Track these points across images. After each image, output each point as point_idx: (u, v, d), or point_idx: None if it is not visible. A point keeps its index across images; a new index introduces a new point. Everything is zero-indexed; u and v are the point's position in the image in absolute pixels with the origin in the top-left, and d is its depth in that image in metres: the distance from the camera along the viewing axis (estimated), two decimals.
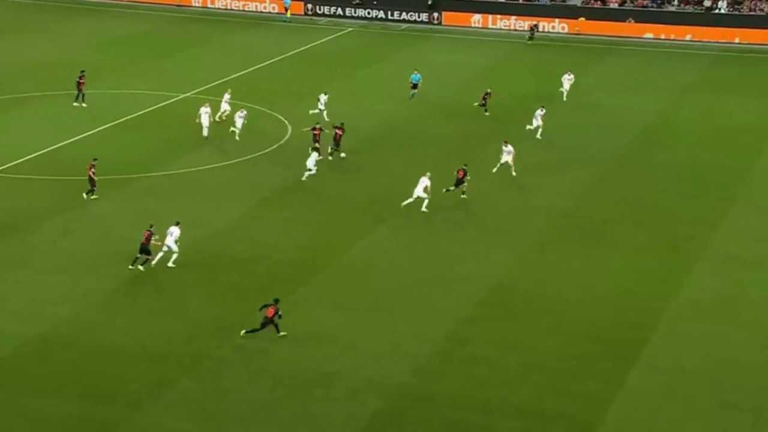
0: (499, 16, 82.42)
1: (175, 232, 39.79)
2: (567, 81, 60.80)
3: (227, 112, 57.19)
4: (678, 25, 78.50)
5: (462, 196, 46.23)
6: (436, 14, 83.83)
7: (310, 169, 48.75)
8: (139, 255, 39.55)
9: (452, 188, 46.20)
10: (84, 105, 59.87)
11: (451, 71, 69.76)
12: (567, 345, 34.68)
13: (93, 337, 35.00)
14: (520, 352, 34.18)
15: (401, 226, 44.41)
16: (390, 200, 47.11)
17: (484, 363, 33.54)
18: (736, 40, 77.42)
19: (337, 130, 51.83)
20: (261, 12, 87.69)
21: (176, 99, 62.68)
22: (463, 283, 38.89)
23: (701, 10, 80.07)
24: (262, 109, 60.49)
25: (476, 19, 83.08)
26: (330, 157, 51.39)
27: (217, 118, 56.75)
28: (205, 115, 54.41)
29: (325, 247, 42.04)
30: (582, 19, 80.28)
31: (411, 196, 45.16)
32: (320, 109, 56.99)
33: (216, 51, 75.18)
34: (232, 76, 67.68)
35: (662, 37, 78.70)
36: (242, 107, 55.59)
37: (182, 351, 34.06)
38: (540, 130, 53.85)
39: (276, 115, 59.32)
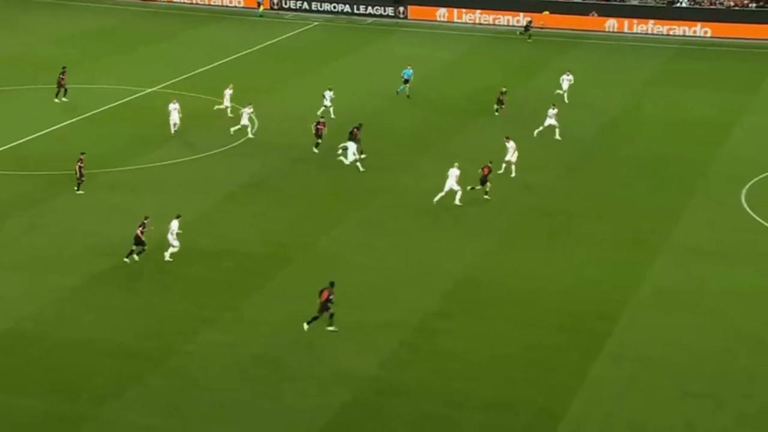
0: (464, 10, 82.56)
1: (174, 225, 39.63)
2: (566, 81, 59.78)
3: (229, 108, 56.87)
4: (641, 18, 78.94)
5: (485, 197, 45.81)
6: (401, 8, 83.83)
7: (356, 158, 49.12)
8: (134, 247, 39.35)
9: (478, 187, 45.78)
10: (65, 100, 59.26)
11: (417, 65, 69.75)
12: (533, 336, 34.89)
13: (58, 333, 34.78)
14: (487, 344, 34.34)
15: (369, 220, 44.45)
16: (358, 194, 47.13)
17: (451, 355, 33.68)
18: (698, 34, 77.95)
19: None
20: (227, 6, 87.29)
21: (142, 94, 62.30)
22: (430, 277, 39.00)
23: (663, 3, 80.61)
24: (229, 103, 60.17)
25: (441, 13, 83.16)
26: (315, 150, 51.17)
27: (229, 113, 56.35)
28: (174, 111, 53.98)
29: (294, 241, 42.00)
30: (546, 12, 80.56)
31: (442, 191, 45.01)
32: (326, 106, 56.67)
33: (181, 45, 74.79)
34: (198, 71, 67.37)
35: (625, 30, 79.12)
36: (250, 103, 54.68)
37: (150, 346, 33.93)
38: (557, 129, 52.84)
39: (243, 109, 59.05)
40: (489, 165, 46.18)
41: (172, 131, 53.90)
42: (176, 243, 39.60)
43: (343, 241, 42.41)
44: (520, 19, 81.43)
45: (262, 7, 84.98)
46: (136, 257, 39.45)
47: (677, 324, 35.82)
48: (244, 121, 53.78)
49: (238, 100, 59.31)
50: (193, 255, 40.29)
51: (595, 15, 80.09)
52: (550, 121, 53.19)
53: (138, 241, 39.41)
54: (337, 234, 42.99)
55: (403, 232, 43.21)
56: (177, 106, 54.12)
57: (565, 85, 59.93)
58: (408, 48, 75.26)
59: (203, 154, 52.06)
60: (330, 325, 34.79)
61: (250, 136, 53.50)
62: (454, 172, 45.13)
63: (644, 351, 34.00)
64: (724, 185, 48.42)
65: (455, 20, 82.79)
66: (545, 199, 46.80)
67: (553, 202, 46.50)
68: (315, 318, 34.58)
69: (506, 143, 48.68)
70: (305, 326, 34.61)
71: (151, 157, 51.41)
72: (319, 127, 51.74)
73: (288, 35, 78.68)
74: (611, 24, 79.42)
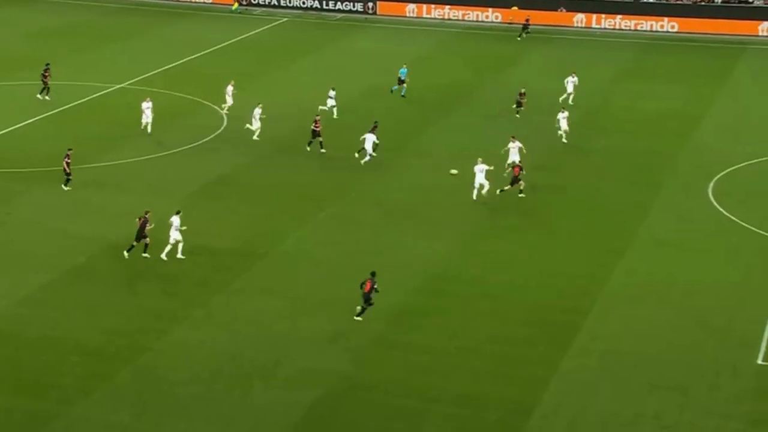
0: (433, 6, 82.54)
1: (175, 221, 39.31)
2: (571, 83, 58.88)
3: (230, 105, 56.47)
4: (609, 14, 79.21)
5: (520, 195, 45.55)
6: (371, 4, 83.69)
7: (371, 154, 49.09)
8: (135, 243, 39.09)
9: (507, 187, 45.49)
10: (47, 99, 58.55)
11: (386, 61, 69.71)
12: (504, 330, 34.92)
13: (25, 331, 34.43)
14: (458, 338, 34.33)
15: (340, 216, 44.33)
16: (328, 190, 46.99)
17: (423, 350, 33.64)
18: (665, 29, 78.33)
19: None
20: (196, 3, 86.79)
21: (111, 90, 61.83)
22: (402, 272, 38.94)
23: None
24: (198, 99, 59.92)
25: (411, 9, 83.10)
26: (308, 148, 50.90)
27: (225, 111, 55.88)
28: (147, 110, 53.38)
29: (263, 237, 41.82)
30: (515, 8, 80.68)
31: (475, 187, 45.06)
32: (330, 106, 56.28)
33: (150, 42, 74.30)
34: (167, 67, 66.96)
35: (594, 25, 79.36)
36: (258, 102, 53.81)
37: (119, 344, 33.66)
38: (566, 133, 52.27)
39: (212, 105, 58.79)
40: (519, 164, 45.90)
41: (147, 130, 53.16)
42: (180, 238, 39.27)
43: (314, 237, 42.26)
44: (489, 14, 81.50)
45: (236, 4, 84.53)
46: (146, 254, 39.17)
47: (647, 316, 35.95)
48: (257, 123, 52.81)
49: (212, 97, 59.07)
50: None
51: (563, 10, 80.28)
52: (564, 126, 52.30)
53: (141, 236, 39.16)
54: (308, 230, 42.84)
55: (374, 228, 43.12)
56: (150, 104, 53.55)
57: (570, 87, 58.59)
58: (377, 44, 75.18)
59: (173, 151, 51.73)
60: (358, 315, 35.12)
61: (255, 138, 52.79)
62: (481, 168, 45.17)
63: (614, 343, 34.11)
64: (692, 178, 48.67)
65: (424, 16, 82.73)
66: (516, 192, 46.82)
67: (526, 195, 46.50)
68: (363, 310, 35.04)
69: (511, 143, 47.52)
70: (356, 318, 34.99)
71: (120, 153, 51.02)
72: (316, 126, 50.92)
73: (257, 31, 78.35)
74: (579, 19, 79.66)
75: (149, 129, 53.16)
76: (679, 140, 54.08)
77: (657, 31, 78.16)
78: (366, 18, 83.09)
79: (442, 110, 58.68)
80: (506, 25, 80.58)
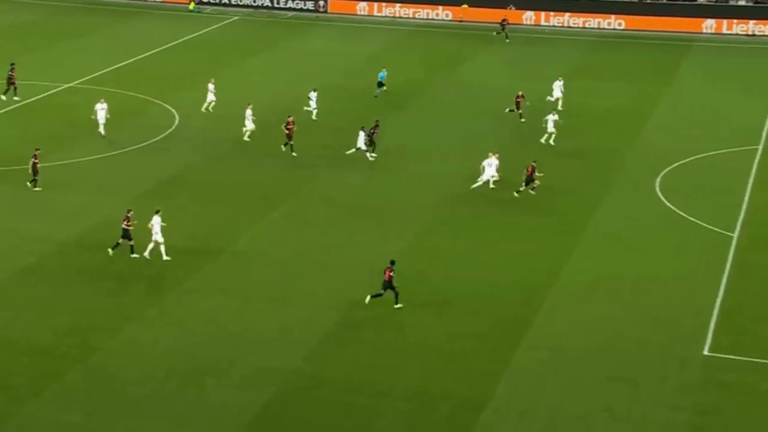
0: (384, 4, 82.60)
1: (156, 221, 38.91)
2: (558, 88, 58.40)
3: (213, 103, 55.93)
4: (557, 11, 79.74)
5: (531, 192, 45.58)
6: (322, 2, 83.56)
7: (359, 148, 49.13)
8: (120, 241, 38.77)
9: (522, 188, 45.51)
10: (16, 98, 57.64)
11: (337, 59, 69.70)
12: (455, 326, 35.06)
13: None
14: (409, 335, 34.42)
15: (292, 215, 44.24)
16: (280, 189, 46.88)
17: (374, 347, 33.70)
18: (612, 26, 79.01)
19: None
20: (147, 2, 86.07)
21: (60, 89, 61.14)
22: (353, 269, 38.96)
23: None
24: (149, 98, 59.47)
25: (362, 7, 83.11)
26: (283, 148, 50.53)
27: (203, 109, 55.27)
28: (101, 111, 52.65)
29: (216, 237, 41.62)
30: (465, 6, 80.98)
31: (483, 178, 45.64)
32: (311, 108, 55.91)
33: (101, 41, 73.58)
34: (118, 66, 66.37)
35: (542, 22, 79.87)
36: (249, 103, 53.09)
37: (71, 344, 33.34)
38: (553, 136, 52.13)
39: (163, 104, 58.39)
40: (533, 164, 46.00)
41: (101, 132, 52.48)
42: (161, 239, 38.93)
43: (267, 236, 42.14)
44: (439, 12, 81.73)
45: (193, 4, 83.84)
46: (136, 255, 38.92)
47: (596, 311, 36.29)
48: (249, 123, 52.17)
49: (163, 96, 58.63)
50: (115, 251, 39.64)
51: (513, 8, 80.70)
52: (551, 128, 52.35)
53: (126, 235, 38.80)
54: (261, 229, 42.71)
55: (325, 226, 43.08)
56: (105, 105, 52.80)
57: (557, 92, 57.99)
58: (329, 42, 75.09)
59: (124, 150, 51.29)
60: (396, 303, 35.63)
61: (246, 138, 52.20)
62: (493, 162, 45.70)
63: (564, 338, 34.39)
64: (640, 175, 49.14)
65: (375, 14, 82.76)
66: (466, 189, 47.05)
67: (477, 193, 46.75)
68: (379, 294, 35.69)
69: (489, 158, 46.67)
70: (367, 299, 35.69)
71: (71, 153, 50.50)
72: (289, 126, 50.42)
73: (208, 30, 77.89)
74: (528, 16, 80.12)
75: (102, 130, 52.46)
76: (627, 137, 54.60)
77: (604, 29, 78.83)
78: (317, 16, 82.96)
79: (394, 108, 58.72)
80: (456, 22, 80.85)
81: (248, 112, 52.52)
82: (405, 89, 62.05)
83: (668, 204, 45.26)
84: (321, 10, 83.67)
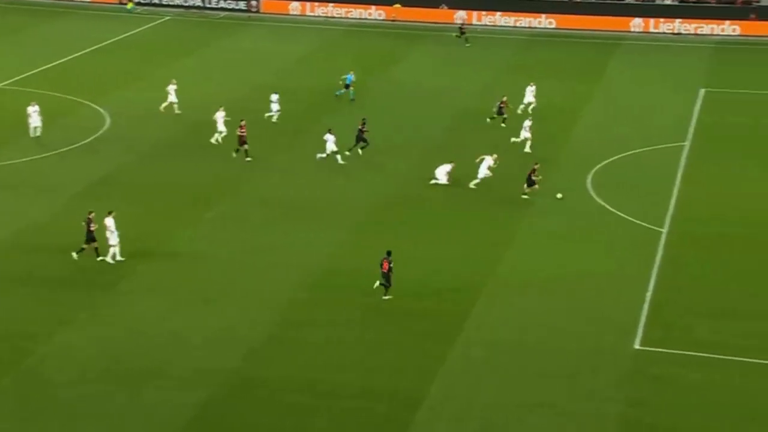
0: (316, 4, 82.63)
1: (109, 223, 38.50)
2: (530, 93, 58.05)
3: (175, 104, 55.53)
4: (489, 11, 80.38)
5: (524, 196, 45.85)
6: (254, 2, 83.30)
7: (336, 152, 49.16)
8: (85, 245, 38.39)
9: (527, 189, 45.81)
10: None
11: (270, 59, 69.58)
12: (392, 323, 35.34)
13: None
14: (347, 333, 34.62)
15: (227, 215, 44.15)
16: (214, 189, 46.73)
17: (314, 346, 33.83)
18: (543, 25, 79.87)
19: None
20: (74, 2, 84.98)
21: None
22: (290, 269, 39.04)
23: None
24: (78, 99, 58.80)
25: (294, 7, 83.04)
26: (234, 154, 50.06)
27: (161, 109, 54.73)
28: (34, 114, 51.81)
29: (150, 238, 41.38)
30: (397, 5, 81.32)
31: (476, 178, 46.52)
32: (274, 111, 55.57)
33: (27, 41, 72.52)
34: (47, 66, 65.52)
35: (474, 21, 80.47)
36: (220, 106, 52.41)
37: (1, 349, 32.90)
38: (529, 142, 51.93)
39: (93, 105, 57.78)
40: (535, 167, 46.30)
41: (33, 135, 51.66)
42: (115, 242, 38.48)
43: (201, 236, 42.02)
44: (372, 11, 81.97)
45: (131, 3, 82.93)
46: (105, 258, 38.55)
47: (531, 306, 36.82)
48: (221, 126, 51.50)
49: (93, 97, 57.98)
50: (46, 255, 39.22)
51: (445, 7, 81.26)
52: (525, 133, 52.16)
53: (90, 238, 38.45)
54: (195, 230, 42.57)
55: (262, 226, 43.09)
56: (37, 108, 51.98)
57: (530, 97, 57.68)
58: (261, 42, 74.91)
59: (55, 152, 50.69)
60: (385, 294, 36.25)
61: (218, 141, 51.48)
62: (487, 161, 46.78)
63: (499, 334, 34.85)
64: (572, 171, 49.82)
65: (308, 14, 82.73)
66: (402, 186, 47.40)
67: (410, 189, 47.12)
68: (385, 286, 36.40)
69: (485, 157, 47.53)
70: (384, 298, 36.39)
71: (0, 155, 49.86)
72: (242, 131, 49.76)
73: (139, 30, 77.18)
74: (460, 16, 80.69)
75: (38, 133, 51.66)
76: (559, 135, 55.32)
77: (536, 28, 79.72)
78: (249, 16, 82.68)
79: (328, 109, 58.81)
80: (389, 22, 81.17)
81: (220, 114, 52.07)
82: (338, 89, 62.08)
83: (599, 200, 46.02)
84: (253, 10, 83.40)
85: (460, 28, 75.34)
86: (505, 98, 56.47)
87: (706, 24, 77.34)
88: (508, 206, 45.54)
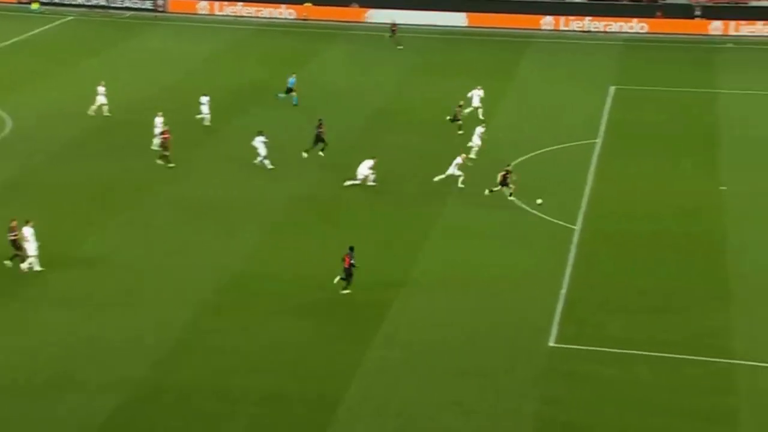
0: (225, 3, 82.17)
1: (27, 232, 37.69)
2: (477, 96, 57.44)
3: (105, 106, 54.53)
4: (401, 9, 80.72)
5: (510, 198, 45.93)
6: (161, 1, 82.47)
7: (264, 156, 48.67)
8: (18, 253, 37.84)
9: (508, 191, 45.85)
10: None
11: (179, 60, 68.99)
12: (307, 326, 35.41)
13: None
14: (261, 337, 34.58)
15: (137, 219, 43.74)
16: (124, 192, 46.24)
17: (225, 351, 33.72)
18: (456, 23, 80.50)
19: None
20: None
21: None
22: (203, 272, 38.84)
23: None
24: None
25: (203, 6, 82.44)
26: (159, 161, 49.33)
27: (90, 112, 53.88)
28: None
29: (58, 243, 40.71)
30: (308, 4, 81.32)
31: (443, 173, 46.89)
32: (204, 113, 54.88)
33: None
34: None
35: (386, 21, 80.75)
36: (159, 111, 51.31)
37: None
38: (475, 149, 51.41)
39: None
40: (508, 168, 46.31)
41: None
42: (33, 252, 37.78)
43: (111, 240, 41.56)
44: (282, 10, 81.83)
45: (37, 4, 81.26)
46: (28, 266, 37.87)
47: (446, 305, 37.21)
48: (159, 129, 50.65)
49: None
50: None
51: (356, 6, 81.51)
52: (476, 140, 51.88)
53: (15, 246, 37.80)
54: (105, 233, 42.08)
55: (172, 229, 42.78)
56: None
57: (477, 101, 57.12)
58: (169, 43, 74.26)
59: None
60: (345, 289, 36.75)
61: (154, 148, 50.65)
62: (457, 160, 47.11)
63: (416, 333, 35.16)
64: (486, 169, 50.33)
65: (217, 13, 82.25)
66: (312, 188, 47.46)
67: (326, 190, 47.20)
68: (346, 280, 37.02)
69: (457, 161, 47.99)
70: (343, 292, 36.83)
71: None
72: (164, 137, 49.22)
73: (41, 30, 75.86)
74: (371, 14, 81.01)
75: None
76: (471, 133, 55.81)
77: (448, 26, 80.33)
78: (156, 16, 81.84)
79: (238, 109, 58.57)
80: (301, 21, 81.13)
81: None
82: (249, 89, 61.93)
83: (513, 199, 46.68)
84: (160, 9, 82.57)
85: (391, 29, 74.71)
86: (461, 103, 56.40)
87: (615, 22, 78.97)
88: (424, 205, 45.93)
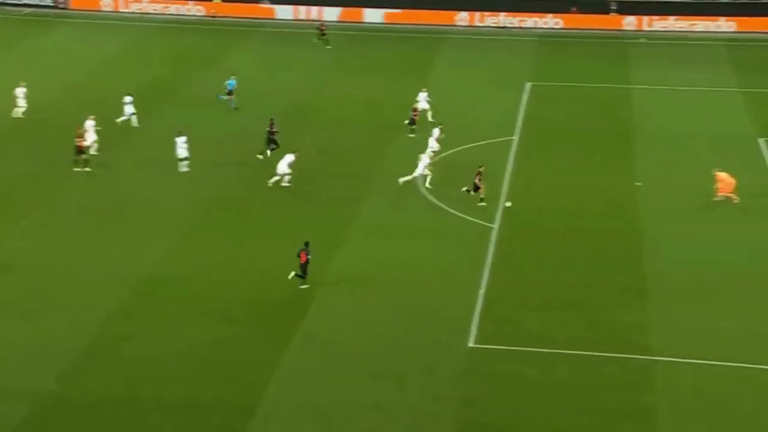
0: (130, 0, 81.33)
1: None
2: (423, 99, 57.03)
3: (24, 110, 53.66)
4: (310, 5, 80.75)
5: (480, 203, 45.80)
6: None
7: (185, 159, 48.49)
8: None
9: (468, 190, 46.06)
10: None
11: (81, 59, 68.13)
12: (222, 331, 35.36)
13: None
14: (173, 344, 34.45)
15: (45, 223, 43.22)
16: (30, 196, 45.62)
17: (137, 359, 33.55)
18: (372, 19, 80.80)
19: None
20: None
21: None
22: (112, 277, 38.58)
23: None
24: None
25: (107, 3, 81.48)
26: (77, 169, 48.49)
27: (14, 115, 53.20)
28: None
29: None
30: (217, 1, 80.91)
31: (411, 173, 47.19)
32: (128, 114, 53.98)
33: None
34: None
35: (301, 16, 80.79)
36: (91, 115, 50.23)
37: None
38: (429, 150, 50.74)
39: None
40: (480, 170, 46.11)
41: None
42: None
43: (17, 246, 40.94)
44: (190, 7, 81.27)
45: None
46: None
47: (365, 306, 37.51)
48: (92, 137, 49.73)
49: None
50: None
51: (267, 3, 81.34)
52: (432, 143, 51.29)
53: None
54: (10, 239, 41.45)
55: (80, 234, 42.38)
56: None
57: (423, 104, 56.74)
58: (70, 41, 73.28)
59: None
60: (302, 284, 37.47)
61: (93, 153, 49.61)
62: (424, 159, 47.71)
63: (334, 334, 35.39)
64: (402, 168, 50.70)
65: (121, 10, 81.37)
66: (231, 187, 47.35)
67: (235, 192, 47.10)
68: (301, 277, 37.63)
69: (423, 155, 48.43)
70: (302, 287, 37.58)
71: None
72: (79, 144, 48.28)
73: None
74: (283, 11, 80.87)
75: None
76: (388, 132, 56.28)
77: (363, 23, 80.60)
78: (56, 13, 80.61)
79: (145, 110, 57.97)
80: (209, 18, 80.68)
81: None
82: (156, 89, 61.44)
83: (430, 197, 47.16)
84: (61, 5, 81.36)
85: (320, 29, 73.92)
86: (416, 105, 56.12)
87: (530, 17, 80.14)
88: (341, 204, 46.13)
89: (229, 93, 58.66)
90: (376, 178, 49.75)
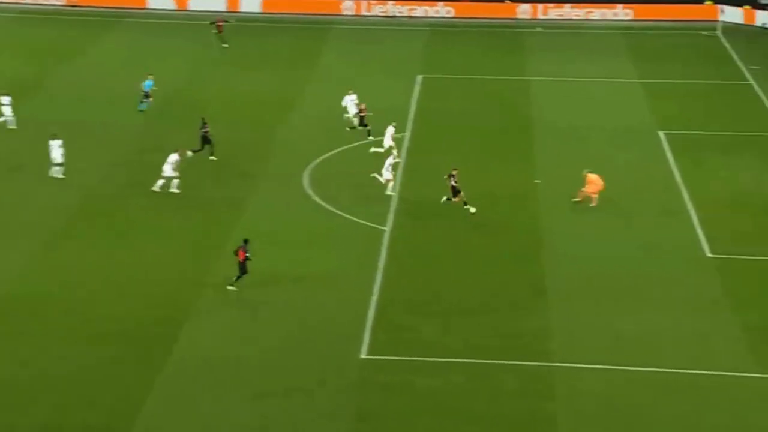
0: None
1: None
2: (351, 102, 55.91)
3: (10, 118, 52.21)
4: None
5: (465, 207, 45.39)
6: None
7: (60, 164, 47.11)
8: None
9: (454, 199, 45.47)
10: None
11: None
12: (88, 352, 34.53)
13: None
14: (33, 366, 33.53)
15: None
16: None
17: None
18: (250, 9, 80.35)
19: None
20: None
21: None
22: None
23: None
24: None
25: None
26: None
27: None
28: None
29: None
30: None
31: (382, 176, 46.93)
32: (7, 115, 52.77)
33: None
34: None
35: (171, 7, 79.94)
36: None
37: None
38: (381, 149, 50.98)
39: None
40: (453, 173, 45.56)
41: None
42: None
43: None
44: None
45: None
46: None
47: (246, 318, 37.12)
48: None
49: None
50: None
51: None
52: (389, 142, 51.11)
53: None
54: None
55: None
56: None
57: (354, 109, 55.63)
58: None
59: None
60: (232, 285, 37.77)
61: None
62: (389, 161, 47.43)
63: (213, 350, 34.86)
64: (286, 168, 50.54)
65: None
66: (97, 195, 46.63)
67: (102, 201, 46.34)
68: (239, 277, 37.74)
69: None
70: (229, 287, 37.73)
71: None
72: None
73: None
74: (161, 3, 79.65)
75: None
76: (271, 129, 56.03)
77: (242, 12, 79.84)
78: None
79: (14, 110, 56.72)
80: (70, 8, 79.34)
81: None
82: (14, 87, 60.06)
83: (317, 199, 47.12)
84: None
85: (216, 24, 71.32)
86: (363, 105, 55.36)
87: (420, 6, 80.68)
88: (221, 210, 45.72)
89: (146, 95, 57.39)
90: (260, 178, 49.48)
